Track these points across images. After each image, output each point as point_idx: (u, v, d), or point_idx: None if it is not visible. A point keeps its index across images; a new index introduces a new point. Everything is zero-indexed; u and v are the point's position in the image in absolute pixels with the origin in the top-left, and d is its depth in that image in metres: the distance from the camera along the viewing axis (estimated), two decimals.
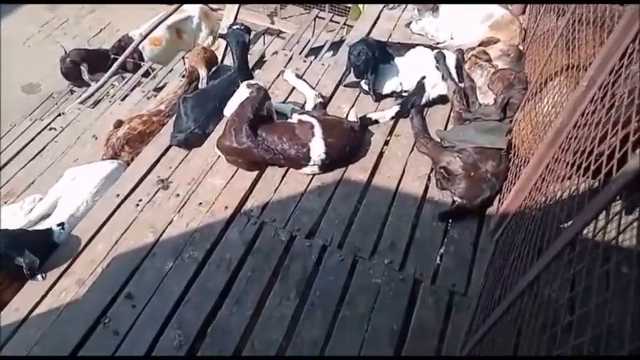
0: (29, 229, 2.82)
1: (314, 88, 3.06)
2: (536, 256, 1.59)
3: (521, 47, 3.07)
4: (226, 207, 2.61)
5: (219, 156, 2.82)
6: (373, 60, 2.84)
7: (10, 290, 2.55)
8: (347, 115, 2.94)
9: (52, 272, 2.52)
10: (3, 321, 2.36)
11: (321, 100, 2.97)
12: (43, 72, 6.24)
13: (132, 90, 4.54)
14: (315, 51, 3.67)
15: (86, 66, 4.88)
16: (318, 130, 2.61)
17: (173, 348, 2.14)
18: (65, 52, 5.09)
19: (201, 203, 2.63)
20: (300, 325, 2.23)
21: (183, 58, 4.61)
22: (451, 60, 2.98)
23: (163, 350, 2.13)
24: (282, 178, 2.73)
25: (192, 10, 5.18)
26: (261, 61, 3.89)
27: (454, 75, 2.93)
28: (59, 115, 4.64)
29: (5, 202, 3.72)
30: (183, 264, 2.41)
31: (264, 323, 2.22)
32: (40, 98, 5.71)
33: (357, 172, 2.76)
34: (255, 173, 2.74)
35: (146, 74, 4.73)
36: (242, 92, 2.67)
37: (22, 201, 3.29)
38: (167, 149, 3.05)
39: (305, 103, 2.99)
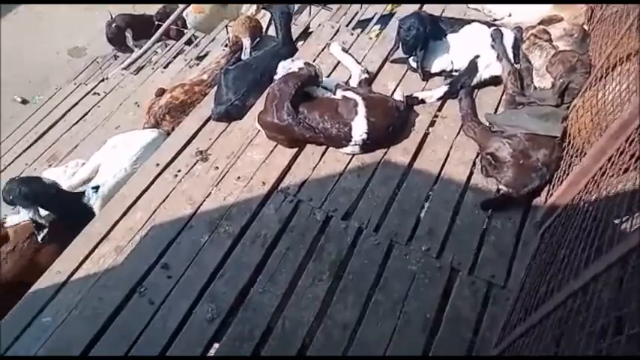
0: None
1: (360, 64, 2.94)
2: (592, 255, 1.47)
3: (586, 27, 2.83)
4: (264, 183, 2.57)
5: (259, 130, 2.77)
6: (424, 35, 2.68)
7: (46, 252, 2.64)
8: (392, 93, 2.83)
9: (91, 238, 2.56)
10: (44, 283, 2.43)
11: (366, 75, 2.85)
12: (89, 36, 6.33)
13: (174, 58, 4.53)
14: (363, 24, 3.51)
15: (131, 32, 4.90)
16: (361, 109, 2.51)
17: (205, 321, 2.15)
18: (111, 17, 5.12)
19: (239, 177, 2.61)
20: (331, 307, 2.19)
21: (226, 27, 4.54)
22: (508, 38, 2.78)
23: (196, 322, 2.15)
24: (322, 156, 2.66)
25: None
26: (305, 33, 3.77)
27: (510, 55, 2.74)
28: (103, 80, 4.71)
29: (50, 165, 3.83)
30: (219, 238, 2.40)
31: (296, 303, 2.20)
32: (85, 62, 5.80)
33: (399, 153, 2.65)
34: (294, 150, 2.68)
35: (189, 42, 4.71)
36: (294, 65, 2.58)
37: (65, 165, 3.37)
38: (207, 121, 3.02)
39: (350, 78, 2.89)
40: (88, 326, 2.19)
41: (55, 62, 6.16)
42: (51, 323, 2.28)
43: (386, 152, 2.65)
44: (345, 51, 3.02)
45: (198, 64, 4.05)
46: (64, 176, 3.18)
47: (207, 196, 2.56)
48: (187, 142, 2.93)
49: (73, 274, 2.45)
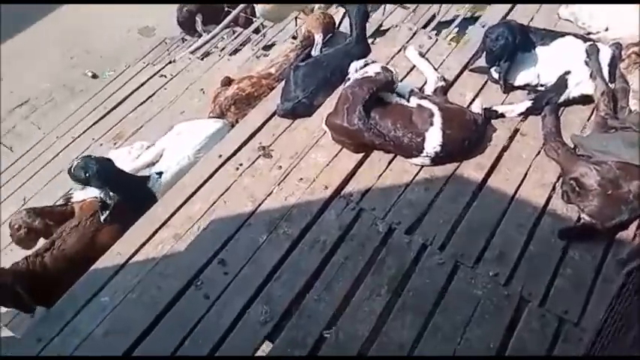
0: None
1: (437, 70, 2.80)
2: None
3: None
4: (326, 187, 2.50)
5: (325, 131, 2.69)
6: (512, 47, 2.51)
7: (106, 231, 2.68)
8: (469, 104, 2.68)
9: (152, 222, 2.59)
10: (104, 263, 2.48)
11: (443, 83, 2.70)
12: (160, 16, 6.43)
13: (241, 46, 4.51)
14: (442, 26, 3.33)
15: (201, 16, 4.94)
16: (437, 120, 2.38)
17: (258, 323, 2.12)
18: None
19: (301, 179, 2.55)
20: (388, 324, 2.11)
21: (296, 18, 4.49)
22: (605, 55, 2.54)
23: (249, 322, 2.13)
24: (388, 164, 2.55)
25: None
26: (378, 31, 3.65)
27: (605, 74, 2.52)
28: (170, 62, 4.77)
29: (115, 143, 3.92)
30: (278, 239, 2.36)
31: (352, 315, 2.13)
32: (154, 42, 5.90)
33: (472, 169, 2.50)
34: (360, 155, 2.59)
35: (256, 31, 4.69)
36: (370, 69, 2.48)
37: (130, 146, 3.43)
38: (272, 115, 2.97)
39: (425, 84, 2.75)
40: (146, 312, 2.22)
41: (126, 40, 6.32)
42: (108, 303, 2.33)
43: (458, 166, 2.51)
44: (422, 55, 2.88)
45: (265, 55, 4.02)
46: (129, 158, 3.24)
47: (268, 195, 2.52)
48: (251, 135, 2.90)
49: (132, 256, 2.48)
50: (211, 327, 2.12)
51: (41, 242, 2.75)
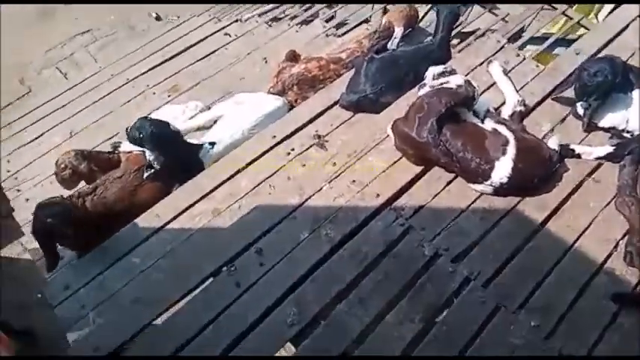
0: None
1: (518, 92, 2.60)
2: None
3: None
4: (378, 195, 2.39)
5: (387, 135, 2.56)
6: (610, 85, 2.29)
7: (147, 188, 2.67)
8: (544, 136, 2.49)
9: (194, 191, 2.57)
10: (142, 223, 2.49)
11: (522, 108, 2.51)
12: None
13: (311, 17, 4.33)
14: (531, 42, 3.08)
15: None
16: (511, 150, 2.21)
17: (285, 324, 2.08)
18: None
19: (354, 181, 2.44)
20: (416, 354, 2.03)
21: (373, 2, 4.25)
22: None
23: (275, 322, 2.09)
24: (447, 184, 2.40)
25: None
26: (458, 34, 3.41)
27: None
28: (236, 21, 4.63)
29: (169, 96, 3.86)
30: (319, 240, 2.28)
31: (380, 337, 2.05)
32: None
33: (533, 208, 2.33)
34: (419, 168, 2.45)
35: (329, 6, 4.47)
36: (453, 80, 2.31)
37: (185, 105, 3.38)
38: (334, 104, 2.86)
39: (502, 105, 2.57)
40: (175, 286, 2.22)
41: None
42: (138, 265, 2.35)
43: (519, 202, 2.34)
44: (506, 73, 2.67)
45: (336, 35, 3.84)
46: (182, 117, 3.20)
47: (317, 191, 2.44)
48: (308, 121, 2.81)
49: (169, 222, 2.49)
50: (237, 318, 2.10)
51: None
